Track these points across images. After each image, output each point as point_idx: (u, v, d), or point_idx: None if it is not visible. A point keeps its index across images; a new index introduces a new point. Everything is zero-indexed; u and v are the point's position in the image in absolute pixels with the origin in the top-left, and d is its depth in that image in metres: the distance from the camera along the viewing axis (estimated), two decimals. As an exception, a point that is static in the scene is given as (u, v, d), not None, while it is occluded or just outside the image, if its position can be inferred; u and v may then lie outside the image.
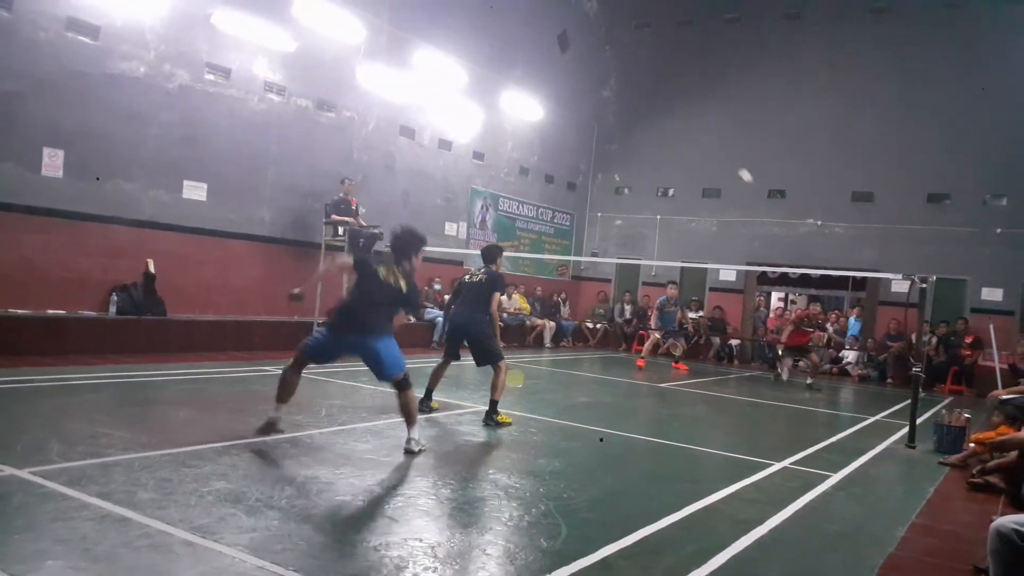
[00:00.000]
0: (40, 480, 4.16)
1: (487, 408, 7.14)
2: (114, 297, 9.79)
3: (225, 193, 11.19)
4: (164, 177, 10.43)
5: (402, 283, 5.71)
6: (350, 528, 3.94)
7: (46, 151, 9.20)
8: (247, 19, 11.07)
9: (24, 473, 4.25)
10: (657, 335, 15.41)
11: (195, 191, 10.81)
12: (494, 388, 7.16)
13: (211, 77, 10.92)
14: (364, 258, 5.99)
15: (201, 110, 10.79)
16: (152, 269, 10.16)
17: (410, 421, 5.68)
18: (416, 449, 5.61)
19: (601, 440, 6.80)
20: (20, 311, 8.92)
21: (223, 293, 11.23)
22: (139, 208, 10.15)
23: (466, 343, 7.41)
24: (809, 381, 12.91)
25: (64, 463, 4.52)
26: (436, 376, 7.61)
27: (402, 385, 5.63)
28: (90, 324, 9.40)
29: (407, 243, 5.92)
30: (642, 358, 14.58)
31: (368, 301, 5.63)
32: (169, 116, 10.40)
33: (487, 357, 7.32)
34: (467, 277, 7.73)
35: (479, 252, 7.98)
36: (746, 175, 7.04)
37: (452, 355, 7.62)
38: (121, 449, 4.93)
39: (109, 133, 9.76)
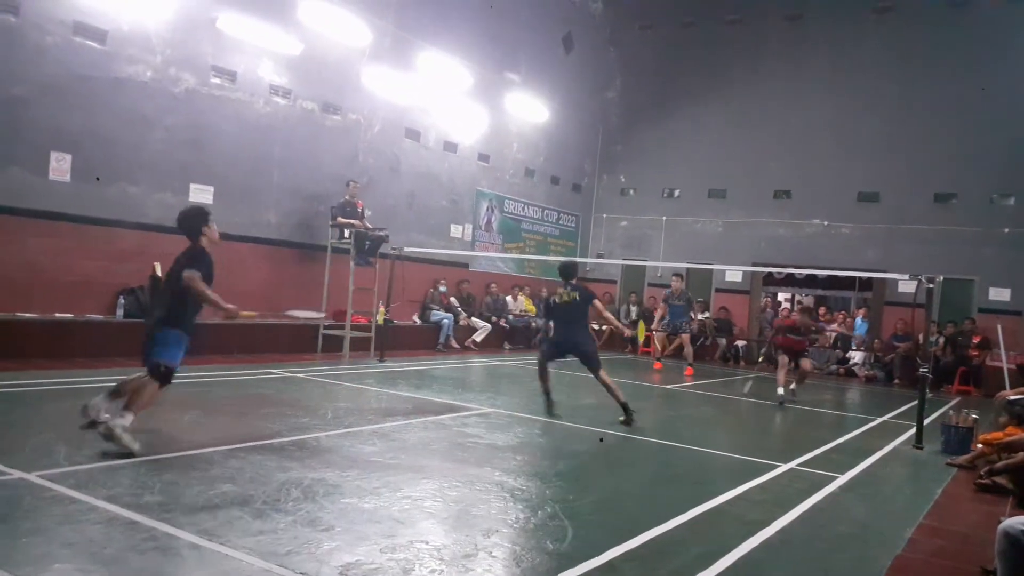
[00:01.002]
0: (48, 483, 4.18)
1: (624, 414, 7.63)
2: (121, 300, 9.82)
3: (231, 196, 11.22)
4: (170, 180, 10.46)
5: (182, 259, 5.47)
6: (356, 530, 3.94)
7: (54, 155, 9.23)
8: (252, 23, 11.10)
9: (32, 476, 4.27)
10: (663, 334, 15.20)
11: (201, 194, 10.84)
12: (614, 393, 7.71)
13: (217, 80, 10.95)
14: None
15: (207, 113, 10.83)
16: (159, 272, 10.18)
17: (131, 406, 5.08)
18: (107, 431, 4.87)
19: (601, 440, 6.81)
20: (27, 315, 8.95)
21: (229, 296, 10.99)
22: (145, 211, 10.18)
23: (580, 360, 7.93)
24: (792, 386, 11.12)
25: (71, 466, 4.54)
26: (543, 377, 8.09)
27: (156, 374, 5.21)
28: (97, 327, 9.44)
29: (190, 220, 5.71)
30: (659, 360, 14.64)
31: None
32: (175, 119, 10.44)
33: (597, 365, 7.85)
34: (556, 299, 8.25)
35: (559, 270, 8.66)
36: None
37: (551, 358, 8.20)
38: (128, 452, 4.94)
39: (116, 137, 9.80)
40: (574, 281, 8.21)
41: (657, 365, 14.33)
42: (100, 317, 9.67)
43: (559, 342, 8.25)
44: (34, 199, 9.08)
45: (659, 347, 15.29)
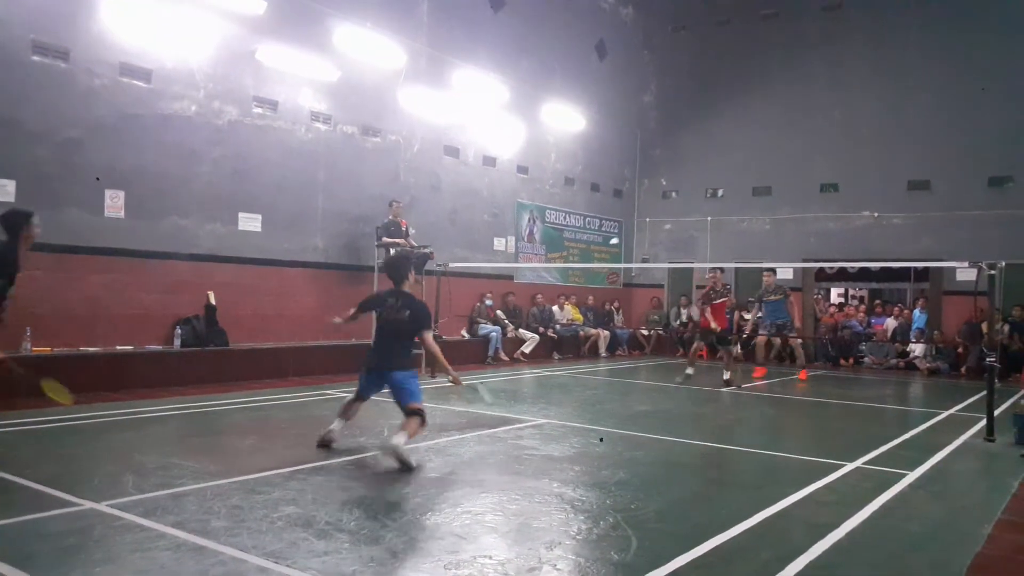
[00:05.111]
0: (117, 512, 4.27)
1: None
2: (178, 330, 10.05)
3: (279, 223, 11.43)
4: (219, 211, 10.70)
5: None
6: (419, 548, 3.95)
7: (108, 193, 9.52)
8: (290, 52, 11.33)
9: (102, 506, 4.37)
10: (762, 338, 13.59)
11: (250, 222, 11.07)
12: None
13: (259, 111, 11.19)
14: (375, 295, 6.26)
15: (251, 143, 11.07)
16: (213, 301, 10.41)
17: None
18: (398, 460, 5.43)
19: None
20: (90, 349, 9.22)
21: (281, 320, 11.44)
22: (197, 242, 10.43)
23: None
24: (726, 376, 11.50)
25: (139, 495, 4.64)
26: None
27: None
28: (156, 358, 9.67)
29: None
30: (761, 366, 13.21)
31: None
32: (221, 151, 10.68)
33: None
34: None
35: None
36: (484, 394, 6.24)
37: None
38: (192, 479, 5.04)
39: (165, 171, 10.07)
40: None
41: (759, 372, 12.84)
42: (159, 348, 9.92)
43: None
44: (92, 236, 9.37)
45: (757, 354, 13.67)
